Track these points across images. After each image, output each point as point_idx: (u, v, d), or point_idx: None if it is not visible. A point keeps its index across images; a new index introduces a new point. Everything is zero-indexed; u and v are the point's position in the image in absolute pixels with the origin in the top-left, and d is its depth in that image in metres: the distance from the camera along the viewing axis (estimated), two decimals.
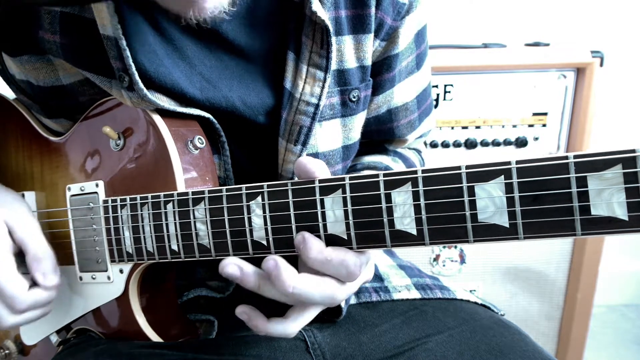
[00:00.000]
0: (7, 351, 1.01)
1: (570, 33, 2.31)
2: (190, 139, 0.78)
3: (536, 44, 1.77)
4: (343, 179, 0.60)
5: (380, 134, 1.03)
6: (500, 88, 1.72)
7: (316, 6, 0.77)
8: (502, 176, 0.51)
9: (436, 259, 1.82)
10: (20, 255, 0.82)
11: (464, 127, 1.75)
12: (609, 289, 2.60)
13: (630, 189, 0.47)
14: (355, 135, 0.93)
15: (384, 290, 0.99)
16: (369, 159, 1.04)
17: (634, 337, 2.51)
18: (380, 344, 0.87)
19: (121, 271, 0.82)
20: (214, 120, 0.82)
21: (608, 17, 2.33)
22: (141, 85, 0.75)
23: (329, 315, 0.93)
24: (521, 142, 1.75)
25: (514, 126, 1.75)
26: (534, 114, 1.75)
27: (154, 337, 0.83)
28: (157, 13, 0.78)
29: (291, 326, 0.70)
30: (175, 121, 0.79)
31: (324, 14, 0.78)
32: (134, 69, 0.75)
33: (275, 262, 0.62)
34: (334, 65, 0.85)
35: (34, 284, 0.81)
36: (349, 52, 0.86)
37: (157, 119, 0.78)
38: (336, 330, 0.92)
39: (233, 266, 0.65)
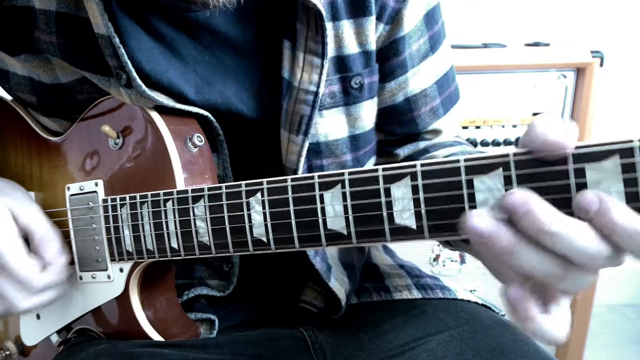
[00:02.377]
0: (7, 352, 1.01)
1: (570, 33, 2.32)
2: (189, 137, 0.78)
3: (536, 44, 1.77)
4: (342, 174, 0.60)
5: (403, 126, 0.98)
6: (500, 88, 1.72)
7: None
8: (501, 168, 0.51)
9: (436, 258, 1.82)
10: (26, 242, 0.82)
11: (464, 127, 1.74)
12: (609, 289, 2.60)
13: (627, 179, 0.46)
14: (365, 124, 0.91)
15: (384, 290, 0.99)
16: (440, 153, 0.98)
17: (633, 337, 2.51)
18: (380, 343, 0.86)
19: (121, 270, 0.82)
20: (212, 118, 0.82)
21: (608, 17, 2.34)
22: (139, 81, 0.75)
23: (328, 313, 0.93)
24: None
25: (514, 126, 1.75)
26: (534, 114, 1.75)
27: (155, 336, 0.83)
28: (149, 12, 0.78)
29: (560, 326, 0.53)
30: (174, 119, 0.79)
31: None
32: (130, 65, 0.75)
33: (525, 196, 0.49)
34: (333, 52, 0.84)
35: (44, 265, 0.81)
36: (349, 37, 0.85)
37: (156, 117, 0.78)
38: (337, 330, 0.92)
39: (484, 221, 0.50)
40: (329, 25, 0.81)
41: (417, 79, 0.94)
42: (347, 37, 0.84)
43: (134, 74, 0.75)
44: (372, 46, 0.87)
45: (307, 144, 0.83)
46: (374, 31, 0.86)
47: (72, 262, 0.87)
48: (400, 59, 0.91)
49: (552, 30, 2.30)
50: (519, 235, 0.49)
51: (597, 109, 1.72)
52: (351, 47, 0.85)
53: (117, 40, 0.74)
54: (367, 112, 0.91)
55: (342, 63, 0.86)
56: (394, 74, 0.92)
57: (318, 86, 0.81)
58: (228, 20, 0.81)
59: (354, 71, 0.86)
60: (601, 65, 1.68)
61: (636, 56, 2.41)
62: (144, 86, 0.75)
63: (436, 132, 1.01)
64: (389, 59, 0.91)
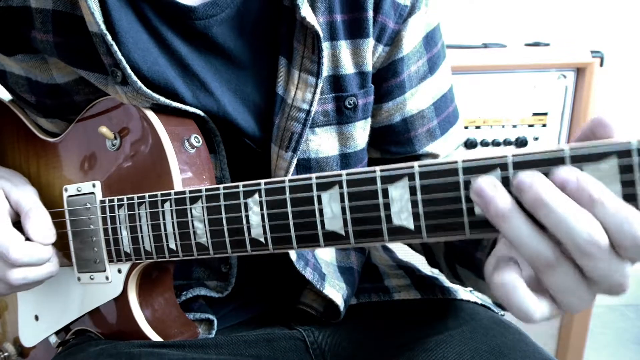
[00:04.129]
0: (6, 354, 1.01)
1: (570, 33, 2.31)
2: (186, 138, 0.78)
3: (536, 44, 1.77)
4: (340, 175, 0.60)
5: (399, 146, 0.98)
6: (500, 88, 1.72)
7: (305, 11, 0.77)
8: (499, 169, 0.51)
9: None
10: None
11: (464, 127, 1.74)
12: None
13: (625, 180, 0.46)
14: (357, 144, 0.91)
15: (383, 291, 0.99)
16: None
17: (633, 336, 2.51)
18: (379, 344, 0.86)
19: (119, 271, 0.82)
20: (209, 119, 0.82)
21: (608, 17, 2.34)
22: (134, 78, 0.75)
23: (327, 318, 0.93)
24: (521, 142, 1.75)
25: (514, 126, 1.75)
26: (534, 114, 1.75)
27: (153, 336, 0.83)
28: (149, 12, 0.78)
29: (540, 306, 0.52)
30: (172, 120, 0.79)
31: (314, 19, 0.77)
32: (124, 62, 0.74)
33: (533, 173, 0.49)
34: (328, 71, 0.85)
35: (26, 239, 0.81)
36: (346, 57, 0.85)
37: (154, 118, 0.78)
38: (336, 331, 0.92)
39: (489, 184, 0.51)
40: (326, 45, 0.81)
41: (415, 100, 0.94)
42: (343, 57, 0.85)
43: (129, 70, 0.75)
44: (369, 67, 0.87)
45: (295, 161, 0.84)
46: (371, 53, 0.86)
47: (70, 264, 0.87)
48: (399, 80, 0.91)
49: (552, 30, 2.30)
50: (518, 206, 0.50)
51: (597, 109, 1.71)
52: (347, 68, 0.85)
53: (109, 37, 0.73)
54: (360, 132, 0.91)
55: (337, 82, 0.86)
56: (392, 94, 0.92)
57: (311, 105, 0.81)
58: (226, 32, 0.81)
59: (349, 91, 0.86)
60: (601, 65, 1.68)
61: (636, 56, 2.41)
62: (139, 83, 0.75)
63: (434, 156, 1.00)
64: (387, 79, 0.90)
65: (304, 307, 0.96)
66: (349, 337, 0.90)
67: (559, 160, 0.48)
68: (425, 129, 0.96)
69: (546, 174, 0.49)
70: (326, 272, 0.92)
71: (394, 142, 0.97)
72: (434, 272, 1.05)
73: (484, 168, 0.52)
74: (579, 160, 0.48)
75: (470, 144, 1.74)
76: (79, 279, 0.86)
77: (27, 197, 0.83)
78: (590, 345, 2.01)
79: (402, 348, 0.84)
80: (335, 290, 0.91)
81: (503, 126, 1.75)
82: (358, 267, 1.01)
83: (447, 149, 1.01)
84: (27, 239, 0.80)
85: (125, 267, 0.81)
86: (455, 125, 1.02)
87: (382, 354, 0.84)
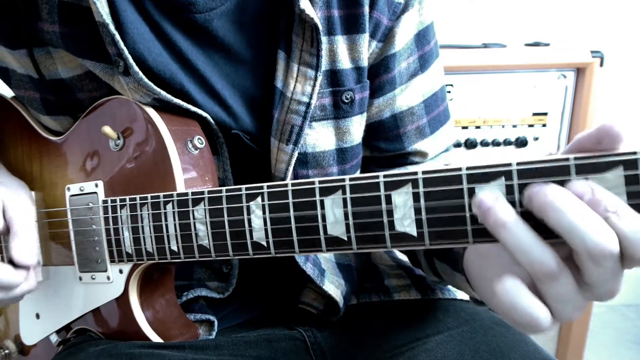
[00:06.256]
0: (6, 351, 1.01)
1: (570, 33, 2.31)
2: (189, 139, 0.78)
3: (536, 44, 1.78)
4: (343, 180, 0.60)
5: (389, 143, 0.98)
6: (500, 88, 1.72)
7: (304, 4, 0.77)
8: (503, 177, 0.51)
9: None
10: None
11: (464, 127, 1.74)
12: None
13: (631, 190, 0.46)
14: (353, 138, 0.91)
15: (383, 291, 0.99)
16: None
17: (633, 336, 2.51)
18: (380, 344, 0.87)
19: (121, 271, 0.82)
20: (212, 120, 0.82)
21: (608, 17, 2.34)
22: (136, 68, 0.75)
23: (327, 315, 0.93)
24: (521, 142, 1.75)
25: (514, 126, 1.75)
26: (534, 114, 1.75)
27: (154, 337, 0.83)
28: (149, 6, 0.79)
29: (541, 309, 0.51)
30: (175, 121, 0.79)
31: (313, 12, 0.78)
32: (126, 52, 0.75)
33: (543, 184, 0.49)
34: (326, 65, 0.85)
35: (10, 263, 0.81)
36: (343, 52, 0.85)
37: (157, 118, 0.78)
38: (336, 331, 0.92)
39: (489, 195, 0.51)
40: (323, 39, 0.81)
41: (405, 96, 0.94)
42: (340, 52, 0.85)
43: (131, 60, 0.75)
44: (365, 63, 0.87)
45: (296, 154, 0.84)
46: (366, 48, 0.87)
47: (71, 263, 0.87)
48: (390, 75, 0.91)
49: (552, 30, 2.30)
50: (520, 216, 0.50)
51: (597, 109, 1.72)
52: (344, 62, 0.86)
53: (111, 27, 0.74)
54: (356, 127, 0.91)
55: (334, 77, 0.86)
56: (382, 90, 0.92)
57: (310, 97, 0.82)
58: (225, 26, 0.81)
59: (346, 86, 0.87)
60: (601, 65, 1.68)
61: (636, 56, 2.41)
62: (141, 73, 0.76)
63: (423, 155, 1.00)
64: (379, 75, 0.91)
65: (305, 306, 0.96)
66: (350, 337, 0.90)
67: (564, 170, 0.48)
68: (415, 126, 0.96)
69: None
70: (325, 267, 0.93)
71: (383, 138, 0.97)
72: None
73: (488, 176, 0.51)
74: (584, 170, 0.48)
75: (470, 144, 1.74)
76: (80, 278, 0.86)
77: (21, 217, 0.84)
78: (590, 345, 2.01)
79: (402, 348, 0.84)
80: (334, 287, 0.91)
81: (503, 126, 1.75)
82: (357, 264, 1.01)
83: (436, 149, 1.01)
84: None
85: (126, 267, 0.81)
86: (445, 124, 1.01)
87: (382, 353, 0.85)
